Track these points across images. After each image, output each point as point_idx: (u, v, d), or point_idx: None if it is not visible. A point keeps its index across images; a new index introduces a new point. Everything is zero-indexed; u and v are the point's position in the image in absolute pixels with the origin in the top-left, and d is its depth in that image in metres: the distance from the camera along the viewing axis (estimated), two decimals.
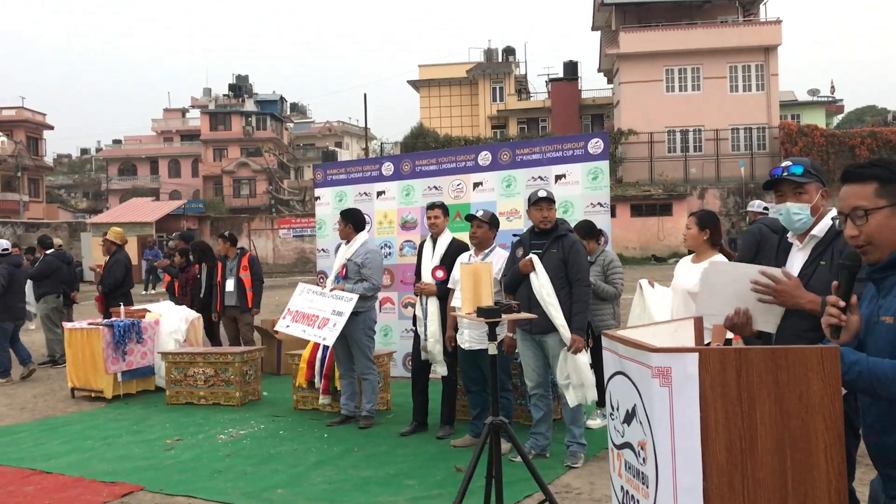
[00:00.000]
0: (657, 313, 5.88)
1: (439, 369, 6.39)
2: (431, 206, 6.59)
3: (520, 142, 9.05)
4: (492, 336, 4.07)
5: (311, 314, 6.76)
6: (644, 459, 2.17)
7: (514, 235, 6.35)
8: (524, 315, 4.12)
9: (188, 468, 5.68)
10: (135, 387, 8.56)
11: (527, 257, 5.37)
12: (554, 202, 5.51)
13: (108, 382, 8.19)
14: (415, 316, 6.61)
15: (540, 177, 8.23)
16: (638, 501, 2.24)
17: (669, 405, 2.07)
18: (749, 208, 8.17)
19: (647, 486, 2.15)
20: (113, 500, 5.02)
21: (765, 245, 5.85)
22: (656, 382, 2.08)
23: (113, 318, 8.66)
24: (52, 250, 11.12)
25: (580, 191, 8.06)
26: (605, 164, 8.08)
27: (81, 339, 8.34)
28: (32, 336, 13.28)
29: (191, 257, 10.45)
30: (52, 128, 56.37)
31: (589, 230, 6.53)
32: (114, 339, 8.18)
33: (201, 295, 9.95)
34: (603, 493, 4.84)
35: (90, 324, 8.53)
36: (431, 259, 6.47)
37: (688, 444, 2.05)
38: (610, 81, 44.66)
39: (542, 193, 5.48)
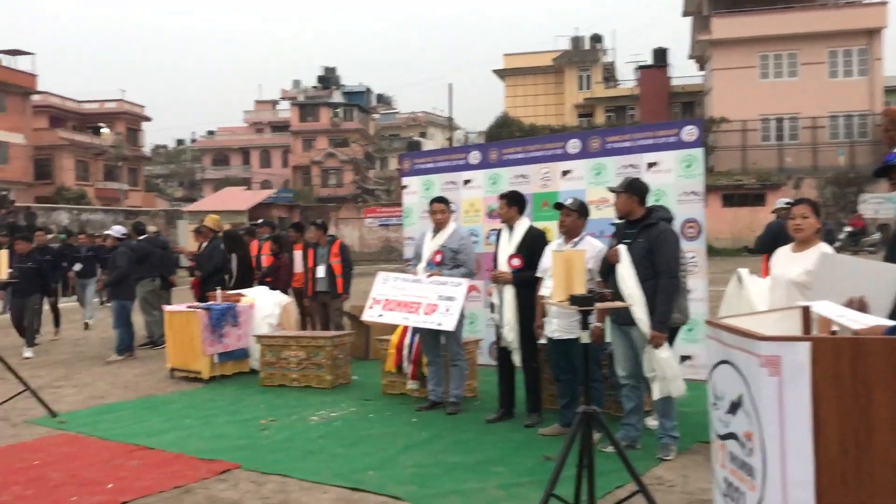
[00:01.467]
0: (759, 304, 5.70)
1: (515, 357, 6.38)
2: (501, 196, 6.63)
3: (610, 129, 8.90)
4: (584, 325, 4.02)
5: (411, 301, 6.81)
6: (751, 451, 2.11)
7: (612, 225, 6.26)
8: (617, 304, 4.05)
9: (282, 448, 5.84)
10: (230, 368, 8.84)
11: (615, 247, 5.30)
12: (622, 191, 5.47)
13: (205, 364, 8.49)
14: (492, 304, 6.61)
15: (631, 164, 8.06)
16: (743, 493, 2.18)
17: (778, 395, 2.00)
18: (777, 205, 8.92)
19: (754, 478, 2.09)
20: (211, 476, 5.20)
21: (779, 240, 5.97)
22: (765, 372, 2.02)
23: (210, 302, 8.96)
24: (145, 236, 11.56)
25: (673, 179, 7.87)
26: (699, 152, 7.87)
27: (181, 322, 8.67)
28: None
29: (281, 246, 10.76)
30: (150, 119, 58.66)
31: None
32: (211, 323, 8.47)
33: (231, 283, 10.29)
34: (697, 486, 4.74)
35: (189, 307, 8.85)
36: (507, 247, 6.45)
37: (798, 436, 1.98)
38: (701, 68, 43.47)
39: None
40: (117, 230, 11.53)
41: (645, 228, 5.37)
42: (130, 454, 5.79)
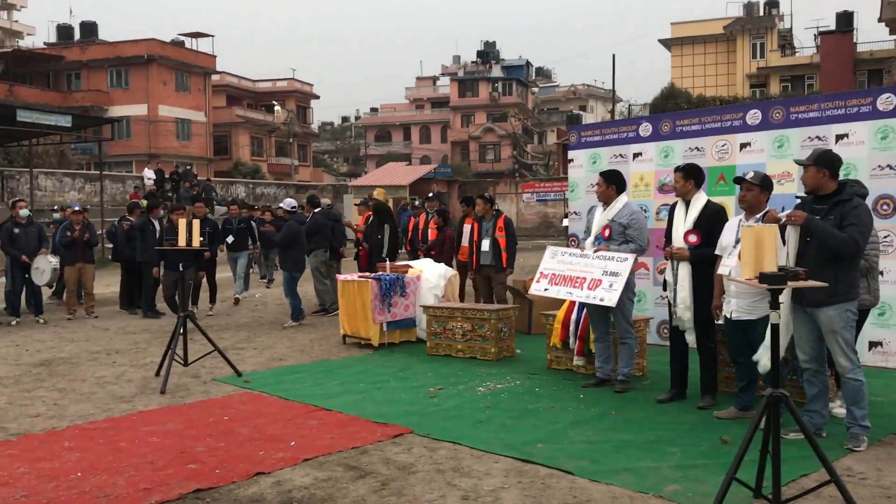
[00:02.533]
0: None
1: (689, 337, 6.17)
2: (675, 170, 6.35)
3: (795, 98, 8.36)
4: (774, 304, 3.81)
5: (576, 276, 6.73)
6: None
7: (797, 198, 5.90)
8: (811, 283, 3.80)
9: (451, 416, 5.97)
10: (397, 337, 9.12)
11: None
12: (811, 164, 5.07)
13: (375, 331, 8.81)
14: (665, 281, 6.40)
15: (818, 136, 7.57)
16: None
17: None
18: None
19: None
20: (386, 439, 5.39)
21: None
22: None
23: (380, 273, 9.26)
24: (319, 209, 12.04)
25: (866, 152, 7.31)
26: None
27: (353, 291, 9.03)
28: (305, 287, 14.57)
29: (448, 219, 10.94)
30: (318, 97, 61.22)
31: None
32: (381, 292, 8.75)
33: (384, 253, 10.49)
34: (892, 480, 4.42)
35: (360, 277, 9.18)
36: (684, 223, 6.21)
37: None
38: (893, 32, 39.95)
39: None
40: (288, 203, 12.09)
41: (837, 205, 5.00)
42: (310, 414, 6.12)
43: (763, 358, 5.07)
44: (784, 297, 4.66)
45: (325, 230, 11.83)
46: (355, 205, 12.81)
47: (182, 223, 7.57)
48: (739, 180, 5.74)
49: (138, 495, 4.39)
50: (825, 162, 5.11)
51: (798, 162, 5.30)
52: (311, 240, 11.74)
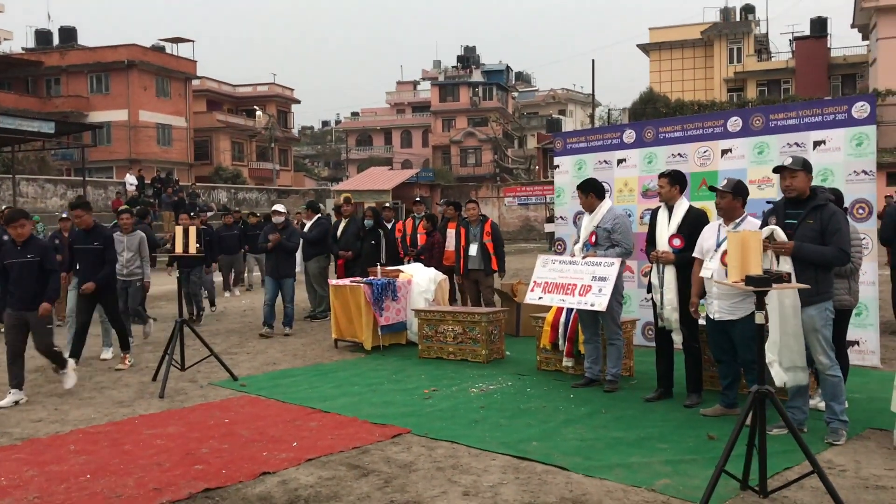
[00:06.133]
0: None
1: (676, 337, 6.39)
2: (660, 175, 6.58)
3: (774, 106, 8.62)
4: (760, 305, 4.03)
5: (567, 283, 6.95)
6: None
7: (768, 203, 6.14)
8: (796, 285, 4.03)
9: (447, 416, 6.14)
10: (388, 340, 9.27)
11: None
12: (799, 169, 5.26)
13: (367, 335, 8.97)
14: (650, 283, 6.63)
15: (796, 143, 7.84)
16: None
17: None
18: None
19: None
20: (385, 439, 5.56)
21: None
22: None
23: (371, 278, 9.42)
24: (319, 215, 12.14)
25: (842, 158, 7.59)
26: (871, 130, 7.56)
27: (346, 295, 9.18)
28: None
29: (435, 224, 11.14)
30: (298, 102, 61.15)
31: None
32: (373, 296, 8.91)
33: (381, 259, 10.82)
34: (870, 471, 4.64)
35: (352, 282, 9.34)
36: (668, 227, 6.44)
37: None
38: (865, 38, 40.68)
39: (786, 161, 5.33)
40: (281, 208, 12.19)
41: (815, 210, 5.24)
42: (309, 416, 6.27)
43: (778, 374, 5.23)
44: (772, 299, 4.88)
45: (328, 236, 11.93)
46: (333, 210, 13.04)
47: (179, 230, 7.69)
48: (713, 189, 5.97)
49: (149, 495, 4.53)
50: (809, 168, 5.35)
51: (789, 167, 5.31)
52: (315, 245, 11.78)
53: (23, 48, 48.96)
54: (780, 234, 5.10)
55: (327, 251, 11.89)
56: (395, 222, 12.50)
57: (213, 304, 13.43)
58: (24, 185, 27.45)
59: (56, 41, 48.77)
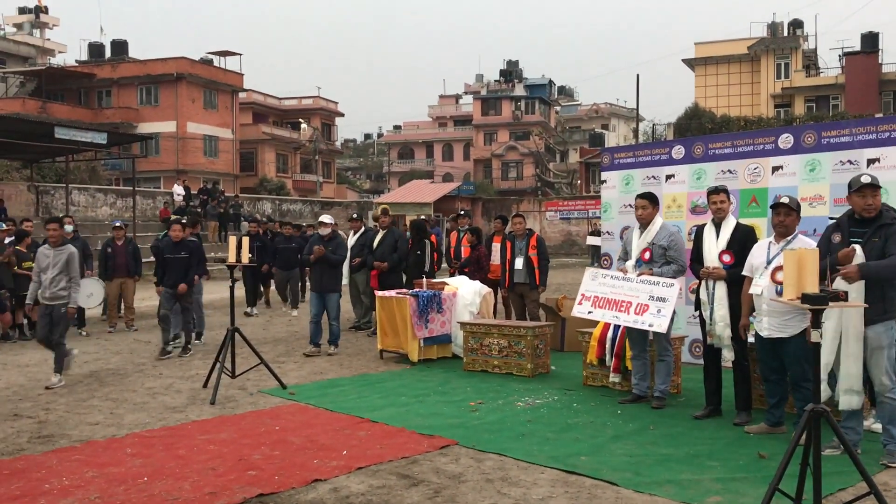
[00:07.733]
0: None
1: (727, 354, 6.35)
2: (715, 191, 6.56)
3: (827, 123, 8.53)
4: (816, 324, 4.00)
5: (621, 300, 6.93)
6: None
7: (831, 218, 6.06)
8: (854, 304, 3.99)
9: (494, 429, 6.17)
10: (434, 353, 9.34)
11: (849, 248, 5.13)
12: (879, 188, 5.21)
13: (413, 347, 9.04)
14: (698, 300, 6.58)
15: (849, 160, 7.74)
16: None
17: None
18: None
19: None
20: (433, 450, 5.61)
21: None
22: None
23: (417, 290, 9.50)
24: (363, 229, 12.27)
25: None
26: None
27: (392, 307, 9.27)
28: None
29: (481, 238, 11.21)
30: (342, 115, 61.81)
31: None
32: (418, 309, 8.99)
33: (426, 269, 10.81)
34: None
35: (398, 293, 9.43)
36: (716, 243, 6.42)
37: None
38: None
39: (865, 179, 5.23)
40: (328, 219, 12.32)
41: (881, 228, 5.19)
42: (358, 425, 6.35)
43: (842, 396, 5.19)
44: (830, 320, 4.83)
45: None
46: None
47: (232, 240, 7.86)
48: (778, 205, 5.88)
49: (204, 499, 4.63)
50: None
51: (872, 185, 5.25)
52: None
53: (76, 61, 50.37)
54: (860, 255, 5.06)
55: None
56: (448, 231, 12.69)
57: (200, 336, 11.03)
58: (75, 194, 28.13)
59: (108, 54, 50.03)
